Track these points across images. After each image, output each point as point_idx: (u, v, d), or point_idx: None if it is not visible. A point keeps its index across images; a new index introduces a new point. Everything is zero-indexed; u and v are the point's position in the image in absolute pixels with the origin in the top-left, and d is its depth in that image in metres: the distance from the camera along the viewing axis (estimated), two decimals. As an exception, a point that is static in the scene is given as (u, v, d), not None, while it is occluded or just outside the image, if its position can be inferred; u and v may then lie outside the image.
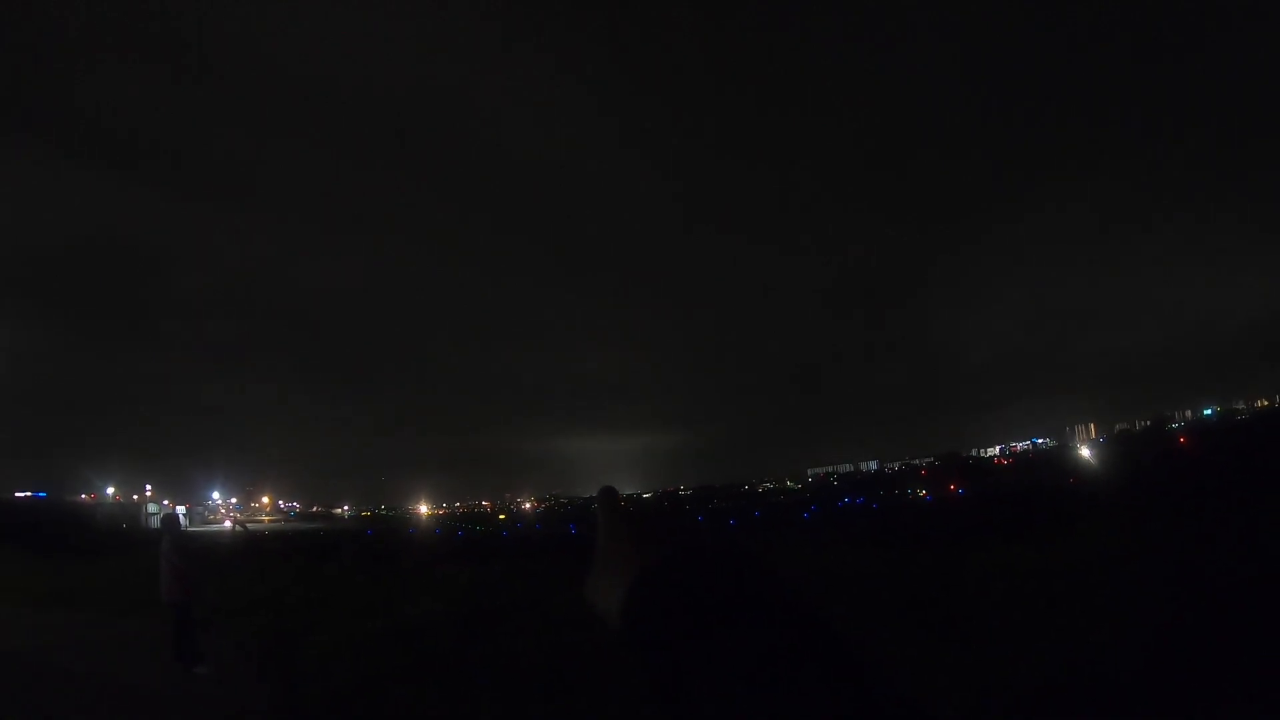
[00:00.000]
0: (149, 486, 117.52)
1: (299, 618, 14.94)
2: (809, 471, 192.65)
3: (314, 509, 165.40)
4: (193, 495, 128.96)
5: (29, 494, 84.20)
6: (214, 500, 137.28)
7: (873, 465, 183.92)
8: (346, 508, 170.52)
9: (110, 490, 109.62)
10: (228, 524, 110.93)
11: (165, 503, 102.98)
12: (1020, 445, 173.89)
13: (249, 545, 41.50)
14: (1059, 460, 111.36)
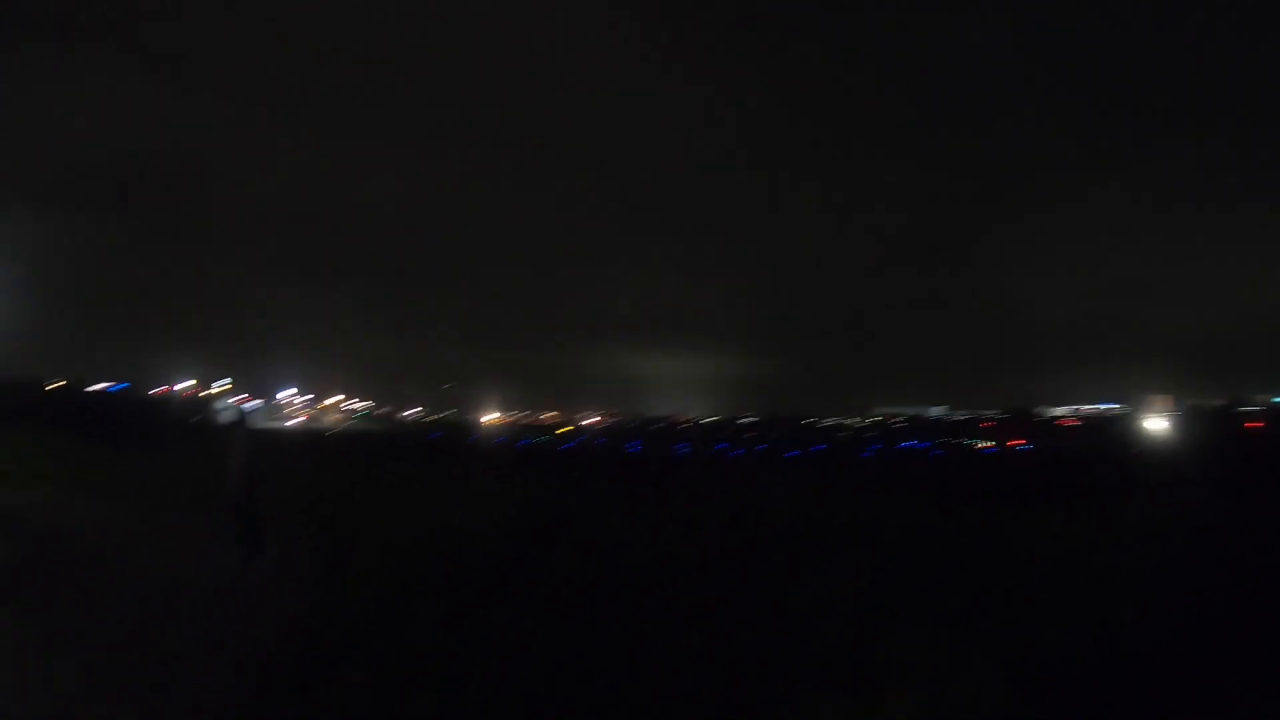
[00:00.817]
0: (222, 381, 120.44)
1: (356, 520, 14.87)
2: (875, 410, 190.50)
3: (382, 411, 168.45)
4: (264, 392, 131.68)
5: (106, 386, 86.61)
6: (284, 398, 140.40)
7: (940, 411, 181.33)
8: (414, 411, 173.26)
9: (186, 384, 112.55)
10: (294, 420, 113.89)
11: (237, 398, 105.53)
12: (1089, 409, 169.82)
13: (315, 443, 42.10)
14: (1126, 429, 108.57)
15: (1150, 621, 7.53)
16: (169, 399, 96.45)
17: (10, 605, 9.16)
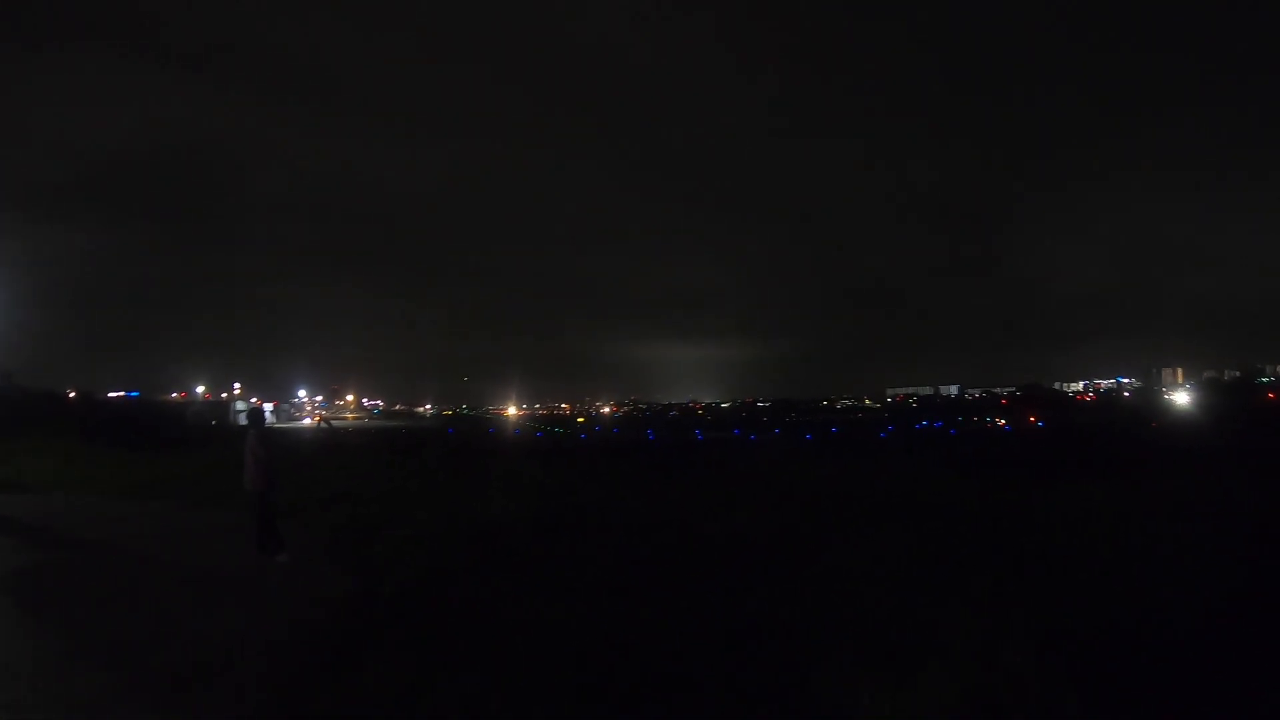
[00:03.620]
0: (237, 385, 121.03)
1: (377, 512, 15.06)
2: (888, 391, 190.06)
3: (397, 407, 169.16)
4: (279, 393, 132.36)
5: (121, 393, 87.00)
6: (300, 398, 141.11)
7: (953, 390, 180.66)
8: (429, 406, 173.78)
9: (200, 389, 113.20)
10: (307, 420, 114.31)
11: (252, 400, 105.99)
12: (1105, 383, 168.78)
13: (332, 441, 42.28)
14: (1143, 402, 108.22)
15: (1178, 596, 7.47)
16: (188, 403, 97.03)
17: (44, 606, 9.29)
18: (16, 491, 20.08)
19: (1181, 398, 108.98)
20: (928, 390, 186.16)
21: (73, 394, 65.92)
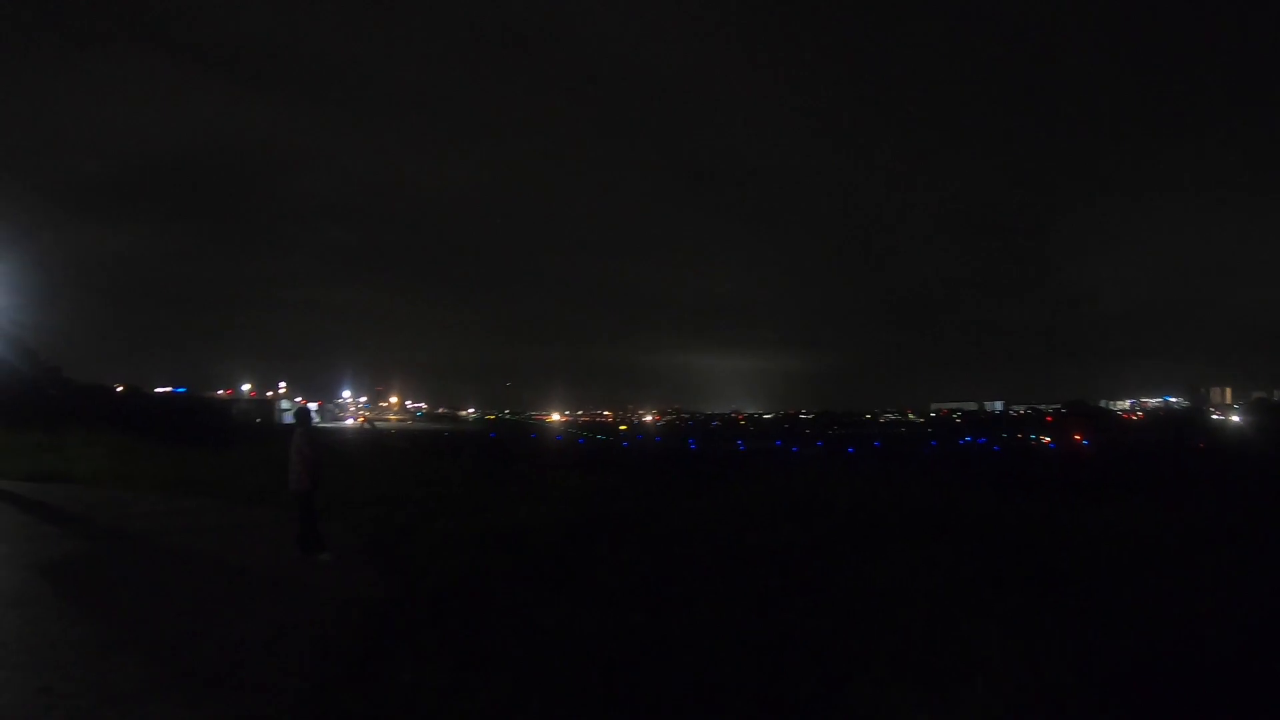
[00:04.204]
0: (282, 384, 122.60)
1: (418, 513, 15.04)
2: (933, 406, 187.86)
3: (440, 410, 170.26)
4: (324, 394, 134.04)
5: (169, 389, 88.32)
6: (344, 399, 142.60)
7: (998, 406, 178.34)
8: (471, 410, 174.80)
9: (246, 387, 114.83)
10: (350, 421, 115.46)
11: (298, 399, 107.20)
12: (1151, 402, 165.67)
13: (375, 442, 42.48)
14: (1190, 421, 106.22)
15: (1221, 619, 7.26)
16: (234, 400, 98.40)
17: (85, 595, 9.34)
18: (64, 482, 20.44)
19: (1230, 417, 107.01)
20: (972, 406, 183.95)
21: (120, 388, 66.93)
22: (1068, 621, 7.23)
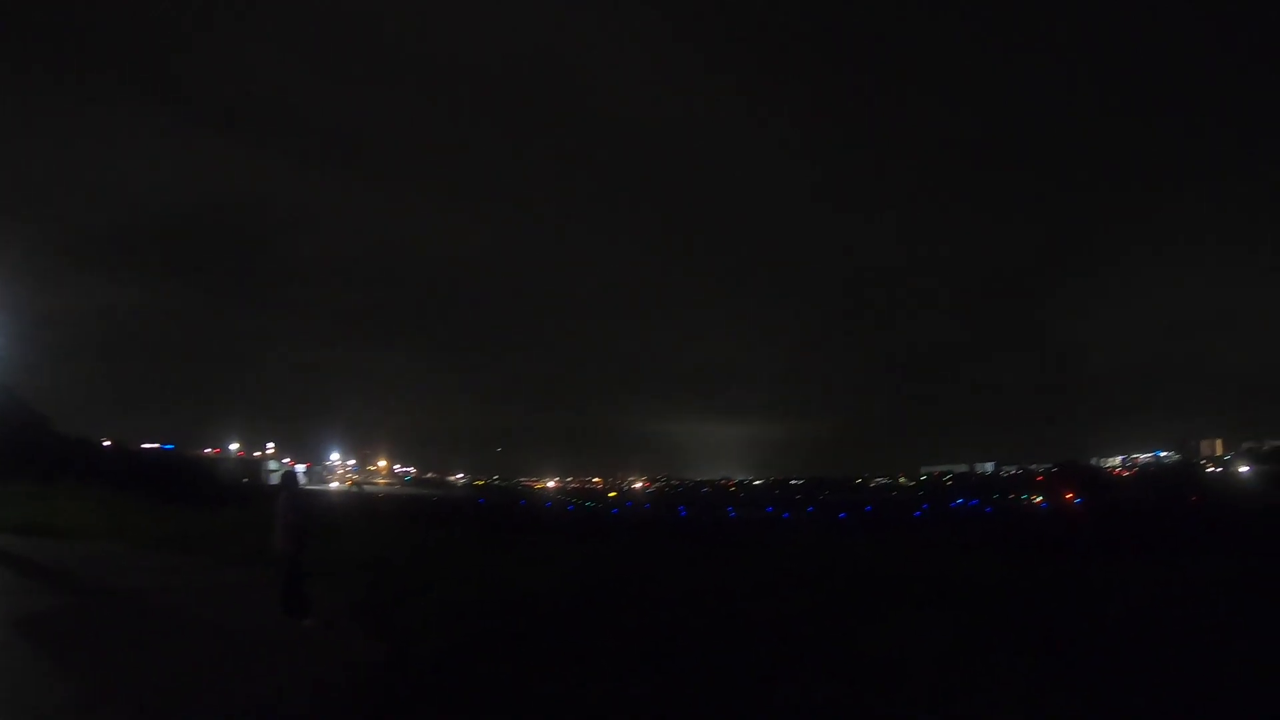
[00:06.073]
0: (270, 444, 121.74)
1: (408, 579, 14.86)
2: (923, 469, 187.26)
3: (428, 475, 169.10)
4: (312, 455, 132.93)
5: (156, 445, 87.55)
6: (332, 461, 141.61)
7: (989, 467, 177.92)
8: (460, 476, 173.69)
9: (233, 446, 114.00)
10: (338, 484, 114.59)
11: (285, 460, 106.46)
12: (1142, 457, 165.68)
13: (363, 506, 42.14)
14: (1182, 476, 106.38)
15: (1227, 676, 7.36)
16: (220, 459, 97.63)
17: (65, 651, 9.02)
18: (49, 536, 20.02)
19: (1222, 469, 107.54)
20: (963, 468, 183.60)
21: (108, 443, 66.23)
22: (1069, 686, 7.22)
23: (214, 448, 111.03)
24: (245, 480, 71.73)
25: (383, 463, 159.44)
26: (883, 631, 9.83)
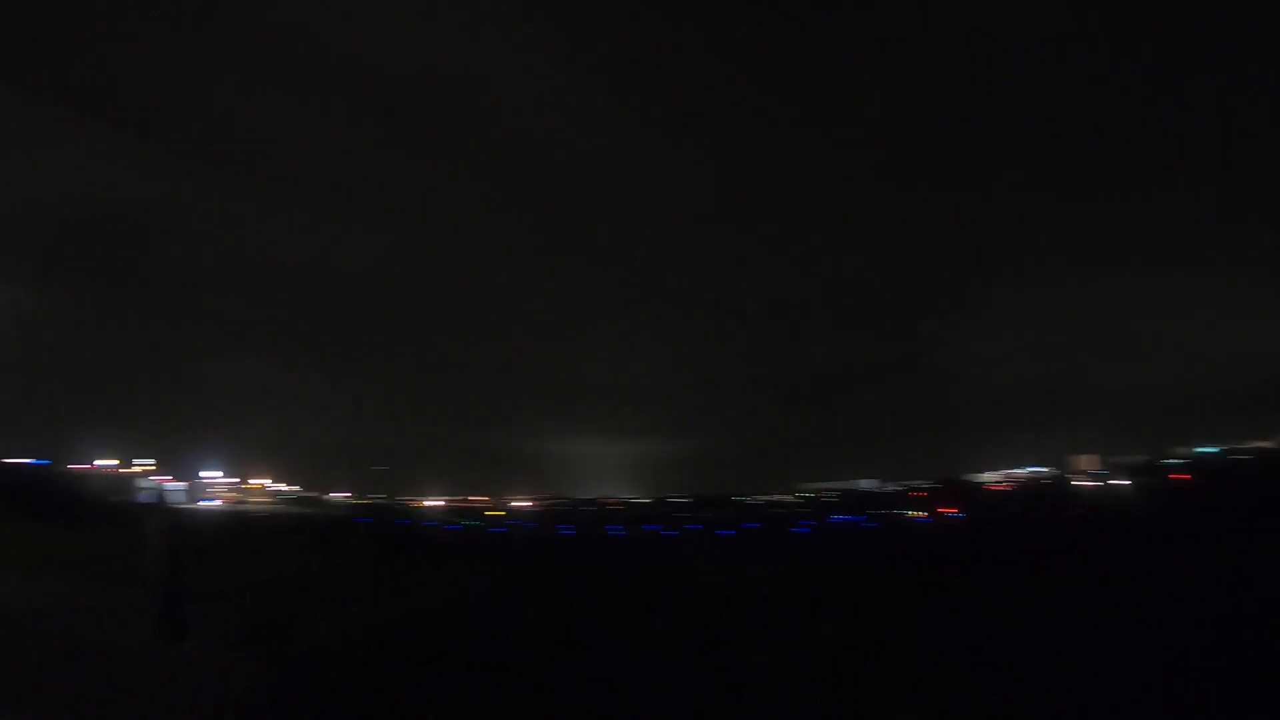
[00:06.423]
0: (146, 460, 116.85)
1: (290, 602, 14.60)
2: (806, 486, 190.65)
3: (310, 493, 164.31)
4: (190, 471, 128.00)
5: (28, 460, 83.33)
6: (210, 478, 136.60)
7: (870, 484, 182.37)
8: (344, 493, 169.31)
9: (106, 461, 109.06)
10: (217, 501, 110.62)
11: (161, 478, 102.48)
12: (1020, 473, 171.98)
13: (243, 525, 41.32)
14: (1058, 490, 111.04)
15: (1115, 680, 7.57)
16: (91, 476, 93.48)
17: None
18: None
19: (1096, 483, 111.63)
20: (845, 485, 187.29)
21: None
22: (957, 696, 7.45)
23: (88, 463, 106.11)
24: (117, 497, 69.02)
25: (264, 480, 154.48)
26: (766, 645, 10.01)
